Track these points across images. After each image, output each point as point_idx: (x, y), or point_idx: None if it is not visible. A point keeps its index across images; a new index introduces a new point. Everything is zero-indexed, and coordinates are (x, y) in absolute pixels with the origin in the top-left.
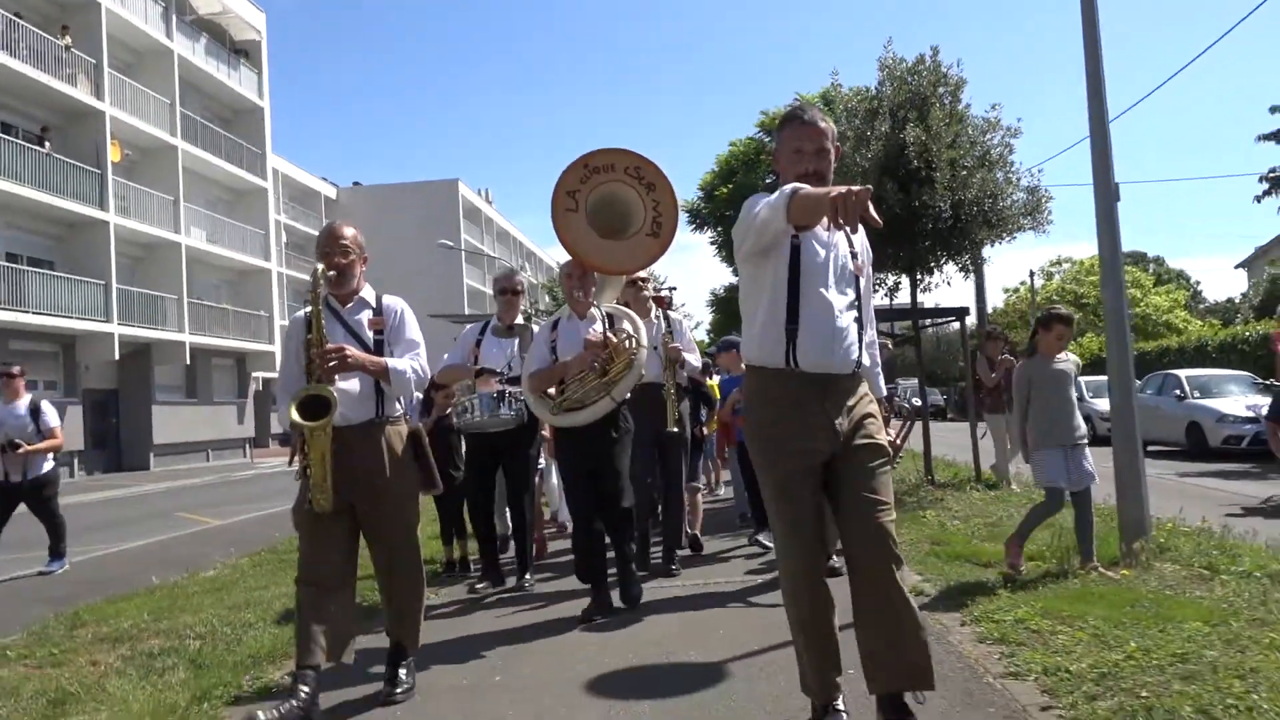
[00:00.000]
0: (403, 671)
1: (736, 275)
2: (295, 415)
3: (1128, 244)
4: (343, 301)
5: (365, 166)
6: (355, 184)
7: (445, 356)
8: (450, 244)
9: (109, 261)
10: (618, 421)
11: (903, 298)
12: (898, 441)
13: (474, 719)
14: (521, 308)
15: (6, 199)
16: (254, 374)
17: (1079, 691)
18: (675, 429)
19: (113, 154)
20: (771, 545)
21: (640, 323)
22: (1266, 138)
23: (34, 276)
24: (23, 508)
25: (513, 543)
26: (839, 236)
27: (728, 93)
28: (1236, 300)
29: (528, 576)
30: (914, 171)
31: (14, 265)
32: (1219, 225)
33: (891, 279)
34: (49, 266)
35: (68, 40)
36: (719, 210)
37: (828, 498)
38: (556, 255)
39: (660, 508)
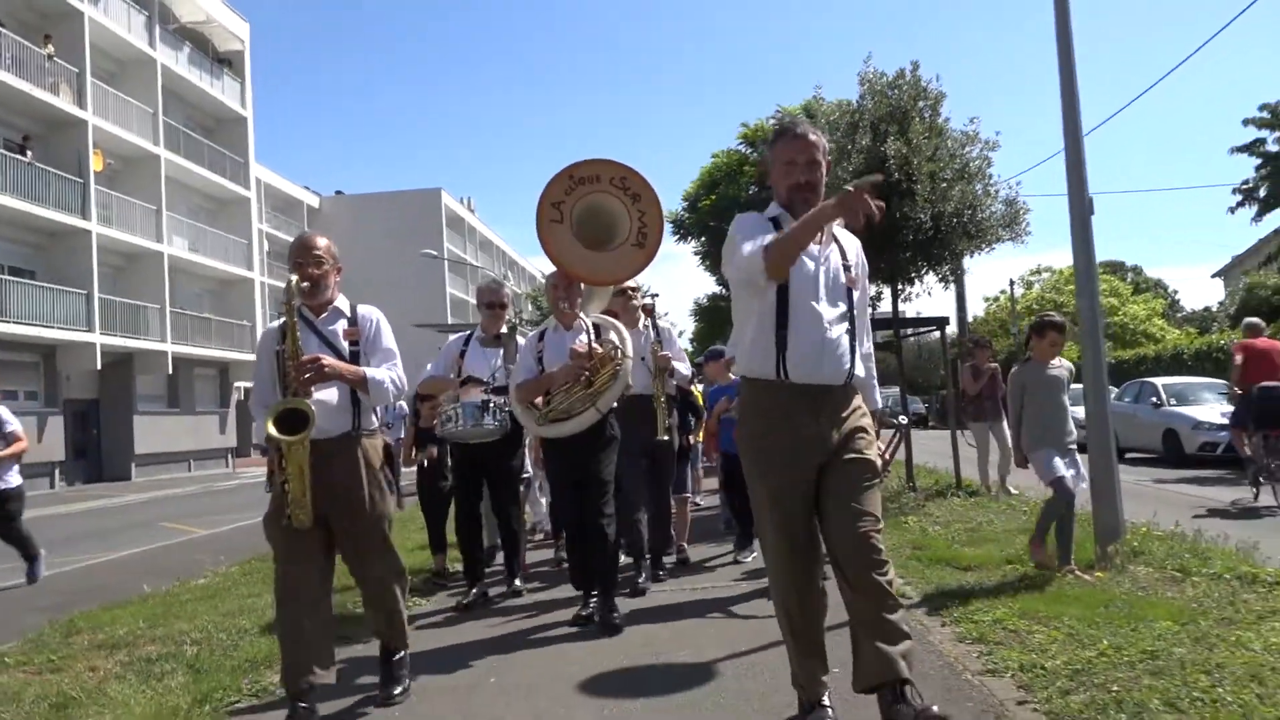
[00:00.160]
0: (399, 671)
1: (720, 285)
2: (272, 430)
3: (1106, 253)
4: (316, 312)
5: (348, 175)
6: (338, 193)
7: (429, 367)
8: (434, 254)
9: (91, 271)
10: (604, 431)
11: (884, 307)
12: (886, 456)
13: (472, 718)
14: (506, 318)
15: None
16: (236, 384)
17: (1053, 687)
18: (666, 438)
19: (95, 163)
20: (748, 561)
21: (626, 333)
22: (1240, 150)
23: (14, 286)
24: None
25: (501, 553)
26: (833, 249)
27: (710, 104)
28: (1214, 309)
29: (516, 581)
30: (895, 184)
31: None
32: (1196, 235)
33: (873, 289)
34: (30, 276)
35: (50, 49)
36: (703, 220)
37: (816, 508)
38: (539, 264)
39: (648, 517)
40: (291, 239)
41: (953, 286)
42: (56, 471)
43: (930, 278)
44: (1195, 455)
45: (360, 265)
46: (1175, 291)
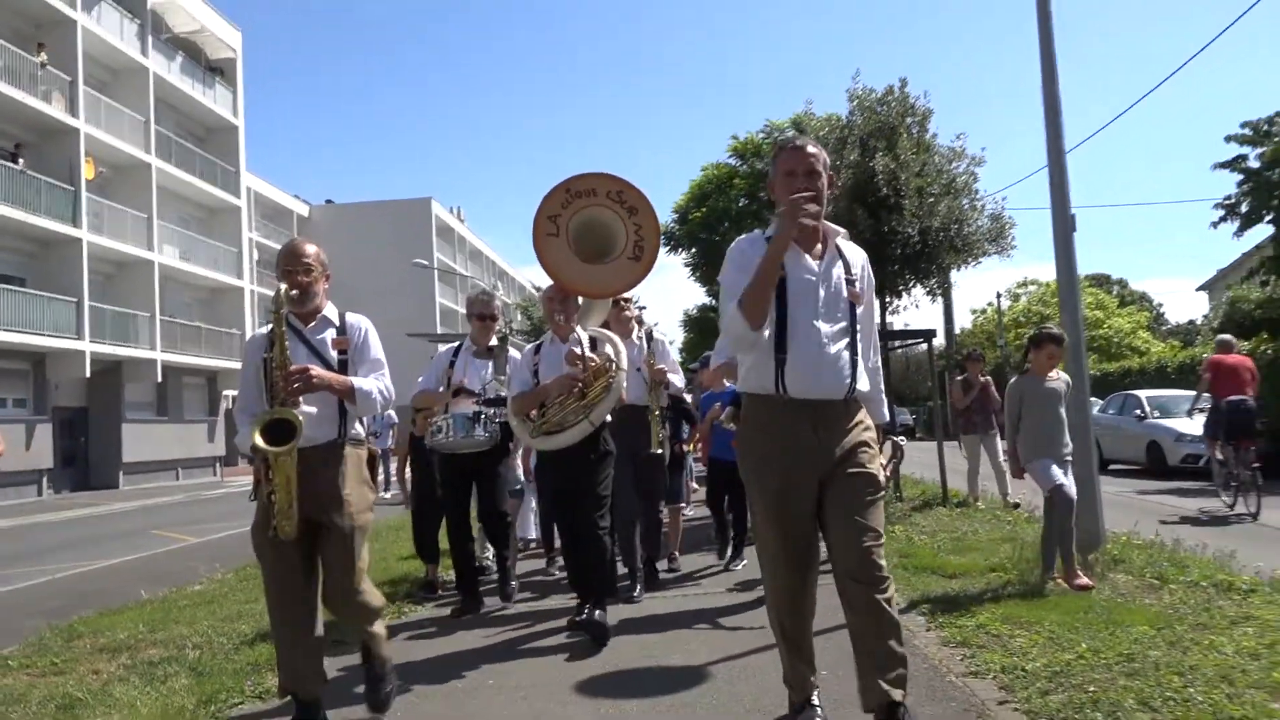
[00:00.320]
0: (387, 673)
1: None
2: (259, 440)
3: (1093, 266)
4: (305, 320)
5: (338, 184)
6: (328, 202)
7: (419, 380)
8: (425, 263)
9: (81, 279)
10: (598, 444)
11: None
12: (887, 473)
13: (472, 718)
14: (496, 329)
15: None
16: (225, 392)
17: (1033, 688)
18: (660, 450)
19: (87, 171)
20: (738, 569)
21: (621, 346)
22: (1222, 166)
23: (4, 294)
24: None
25: (492, 565)
26: (837, 264)
27: (700, 117)
28: (1198, 322)
29: (513, 584)
30: (883, 199)
31: None
32: (1181, 248)
33: None
34: (20, 283)
35: (43, 57)
36: (693, 232)
37: (819, 522)
38: (529, 274)
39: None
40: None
41: (940, 299)
42: (44, 479)
43: (918, 290)
44: (1178, 467)
45: (350, 274)
46: (1160, 304)
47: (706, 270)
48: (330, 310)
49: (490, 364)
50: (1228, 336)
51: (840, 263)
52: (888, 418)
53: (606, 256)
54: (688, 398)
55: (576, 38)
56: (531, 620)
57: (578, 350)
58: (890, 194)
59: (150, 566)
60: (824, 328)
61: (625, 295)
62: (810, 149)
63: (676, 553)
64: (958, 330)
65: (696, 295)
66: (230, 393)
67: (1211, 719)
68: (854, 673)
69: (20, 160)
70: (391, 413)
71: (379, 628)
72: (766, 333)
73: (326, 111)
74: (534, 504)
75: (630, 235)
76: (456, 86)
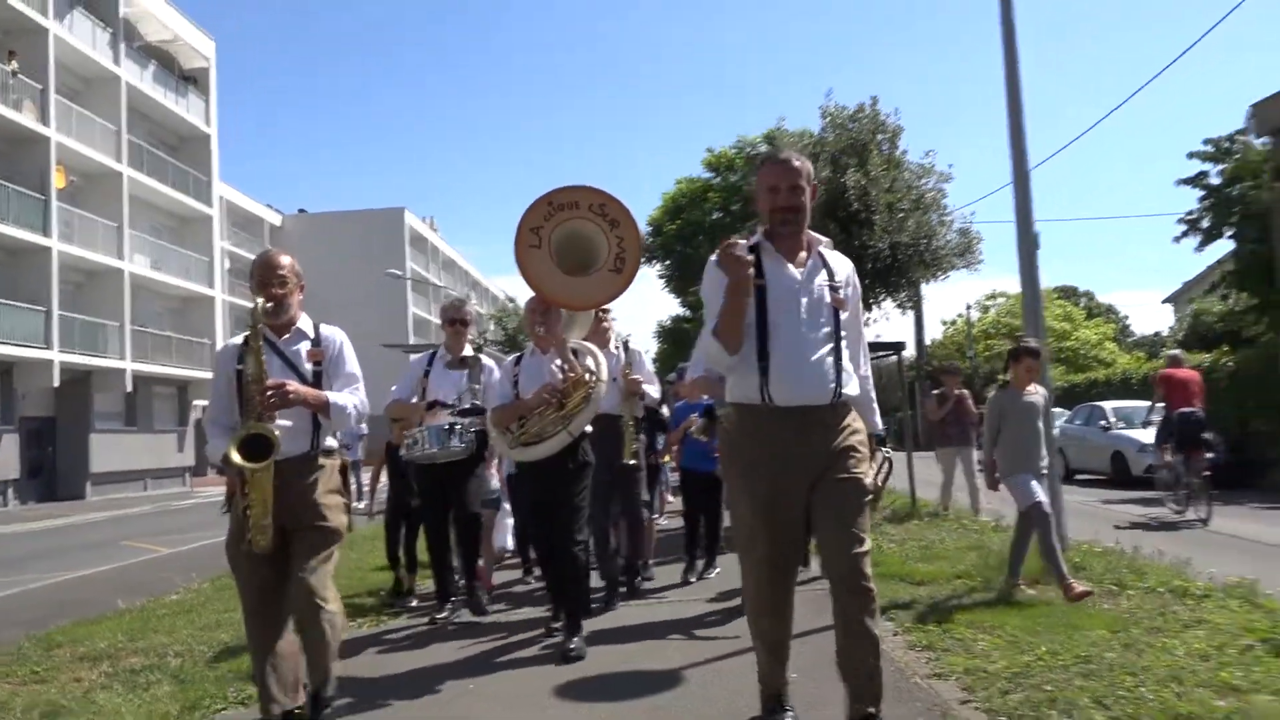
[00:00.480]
0: (327, 689)
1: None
2: (236, 457)
3: (1060, 278)
4: (279, 332)
5: (311, 194)
6: (300, 211)
7: (393, 389)
8: (399, 273)
9: (50, 288)
10: (576, 455)
11: None
12: (878, 482)
13: None
14: (470, 337)
15: None
16: (195, 402)
17: (994, 688)
18: (632, 461)
19: (57, 180)
20: (711, 577)
21: (602, 358)
22: (1184, 182)
23: None
24: None
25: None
26: (820, 272)
27: (673, 130)
28: (1164, 334)
29: (482, 596)
30: (854, 214)
31: None
32: (1148, 261)
33: None
34: None
35: (14, 65)
36: (668, 244)
37: (808, 528)
38: (502, 284)
39: (624, 537)
40: (253, 257)
41: (911, 312)
42: (10, 490)
43: (889, 304)
44: (1142, 477)
45: (322, 284)
46: (1127, 316)
47: (680, 282)
48: (305, 322)
49: (464, 374)
50: (1177, 352)
51: (824, 271)
52: (880, 427)
53: (589, 269)
54: (664, 410)
55: (550, 48)
56: (508, 631)
57: (557, 366)
58: (861, 209)
59: (125, 577)
60: (806, 334)
61: (605, 307)
62: (794, 163)
63: (650, 561)
64: (929, 342)
65: (671, 306)
66: (200, 403)
67: (1161, 715)
68: (826, 676)
69: None
70: (362, 424)
71: (331, 636)
72: (748, 344)
73: (299, 121)
74: (510, 514)
75: (612, 248)
76: (429, 96)
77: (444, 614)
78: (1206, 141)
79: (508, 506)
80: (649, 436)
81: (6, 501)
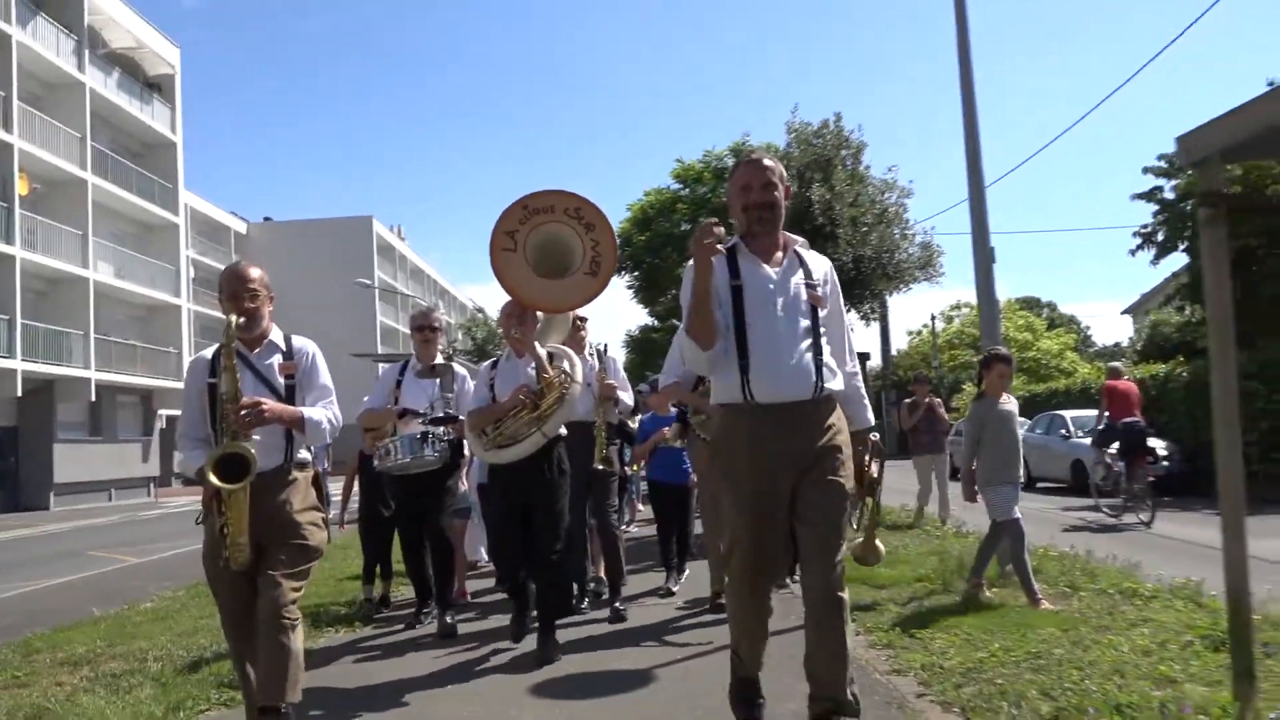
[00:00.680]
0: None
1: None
2: (213, 478)
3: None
4: (251, 346)
5: (277, 202)
6: (266, 219)
7: (366, 399)
8: (367, 283)
9: (13, 296)
10: (552, 460)
11: None
12: (873, 474)
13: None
14: (440, 346)
15: None
16: (160, 411)
17: (949, 682)
18: (604, 466)
19: (20, 187)
20: (676, 588)
21: (578, 361)
22: (1139, 197)
23: None
24: None
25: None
26: (797, 271)
27: (642, 141)
28: (1124, 345)
29: (450, 619)
30: (819, 228)
31: None
32: (1108, 272)
33: None
34: None
35: None
36: (637, 255)
37: (791, 526)
38: (471, 293)
39: (601, 545)
40: (219, 265)
41: (876, 323)
42: None
43: (853, 316)
44: (1100, 485)
45: (289, 292)
46: (1088, 327)
47: (649, 292)
48: (276, 334)
49: (436, 383)
50: (1118, 364)
51: (800, 269)
52: (872, 421)
53: (564, 272)
54: (636, 419)
55: (517, 59)
56: (481, 640)
57: (533, 369)
58: (826, 223)
59: (98, 585)
60: (784, 331)
61: (580, 312)
62: (766, 162)
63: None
64: (894, 352)
65: (639, 317)
66: (166, 412)
67: (1103, 705)
68: (789, 671)
69: None
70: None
71: (293, 653)
72: (726, 344)
73: (266, 128)
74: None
75: (587, 251)
76: (397, 105)
77: (422, 620)
78: (1160, 157)
79: (478, 518)
80: (619, 448)
81: None
